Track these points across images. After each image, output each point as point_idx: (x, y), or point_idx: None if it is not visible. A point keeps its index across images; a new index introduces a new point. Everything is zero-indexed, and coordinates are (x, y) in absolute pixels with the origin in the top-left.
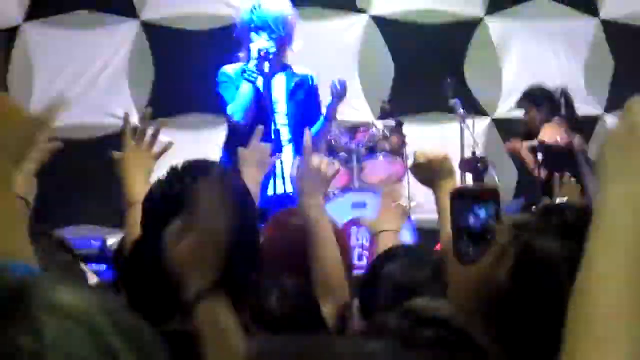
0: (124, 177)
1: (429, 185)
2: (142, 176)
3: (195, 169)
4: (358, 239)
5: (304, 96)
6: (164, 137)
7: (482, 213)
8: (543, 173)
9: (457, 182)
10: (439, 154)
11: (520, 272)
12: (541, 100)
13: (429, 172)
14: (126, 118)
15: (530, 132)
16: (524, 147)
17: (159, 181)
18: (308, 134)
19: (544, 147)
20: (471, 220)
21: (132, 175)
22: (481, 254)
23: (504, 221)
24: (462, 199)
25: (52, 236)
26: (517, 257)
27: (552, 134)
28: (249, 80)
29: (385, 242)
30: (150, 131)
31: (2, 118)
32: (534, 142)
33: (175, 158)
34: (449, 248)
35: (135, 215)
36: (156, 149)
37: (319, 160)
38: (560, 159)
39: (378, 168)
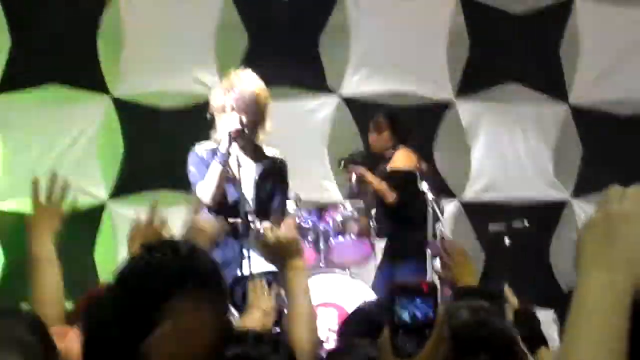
0: (32, 237)
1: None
2: (48, 237)
3: (166, 249)
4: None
5: (272, 180)
6: (136, 214)
7: (420, 309)
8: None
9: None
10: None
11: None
12: (397, 125)
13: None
14: (35, 182)
15: (375, 157)
16: (371, 175)
17: (134, 260)
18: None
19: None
20: (409, 315)
21: (39, 236)
22: (418, 348)
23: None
24: (400, 294)
25: None
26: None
27: (405, 158)
28: (219, 162)
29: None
30: (58, 189)
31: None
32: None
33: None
34: (383, 341)
35: (44, 273)
36: (64, 206)
37: (275, 233)
38: (410, 183)
39: (346, 249)
